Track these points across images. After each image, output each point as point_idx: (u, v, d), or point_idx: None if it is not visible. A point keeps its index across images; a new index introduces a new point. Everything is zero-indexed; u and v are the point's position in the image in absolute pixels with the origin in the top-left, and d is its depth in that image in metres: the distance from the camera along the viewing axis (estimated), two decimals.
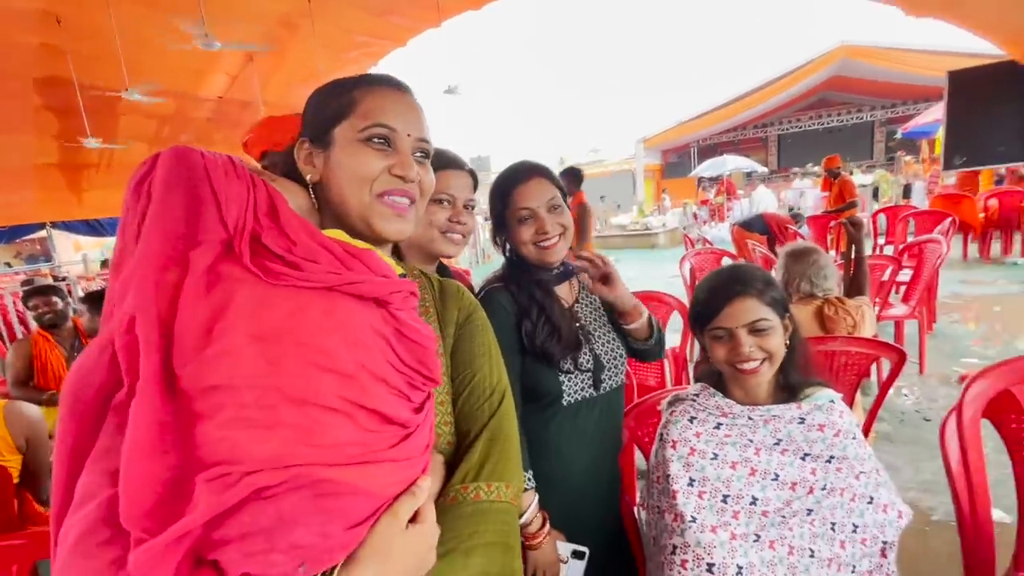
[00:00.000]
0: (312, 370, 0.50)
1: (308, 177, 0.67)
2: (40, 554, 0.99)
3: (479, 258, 9.80)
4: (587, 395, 1.14)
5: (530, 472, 1.05)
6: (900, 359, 1.70)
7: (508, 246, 1.18)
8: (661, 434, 1.11)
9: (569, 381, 1.12)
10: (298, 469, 0.46)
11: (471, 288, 1.31)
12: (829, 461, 0.99)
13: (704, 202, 13.34)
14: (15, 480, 1.66)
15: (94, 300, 2.66)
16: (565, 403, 1.12)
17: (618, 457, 1.26)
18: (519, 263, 1.17)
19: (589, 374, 1.14)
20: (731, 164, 13.53)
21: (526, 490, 1.03)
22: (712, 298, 1.05)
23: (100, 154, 7.89)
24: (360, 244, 0.60)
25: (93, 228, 9.34)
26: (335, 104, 0.66)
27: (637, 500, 1.59)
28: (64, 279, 6.81)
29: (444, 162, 1.08)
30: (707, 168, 13.87)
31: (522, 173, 1.13)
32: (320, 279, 0.54)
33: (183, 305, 0.48)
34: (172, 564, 0.42)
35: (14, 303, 5.40)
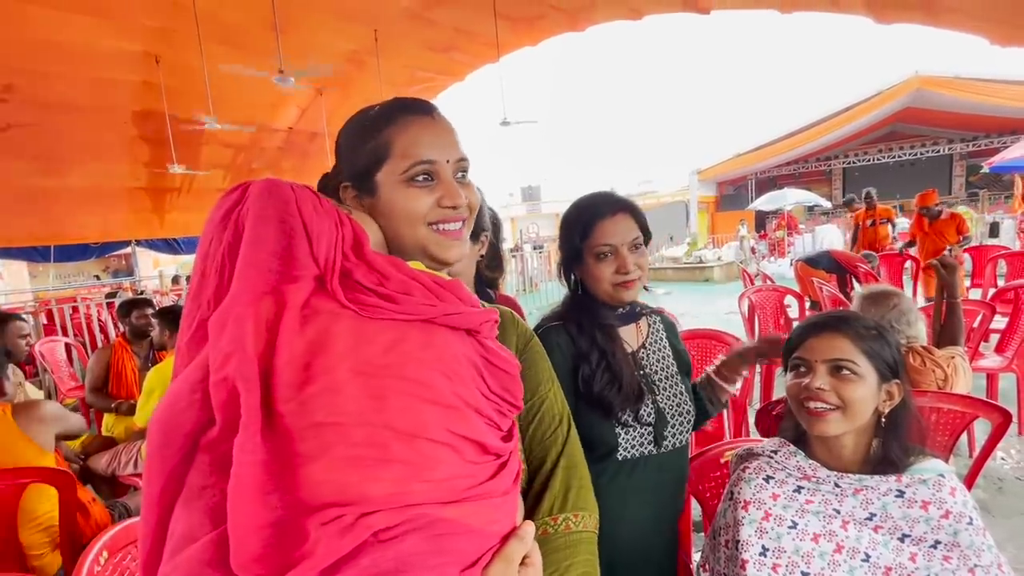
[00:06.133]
0: (417, 403, 0.49)
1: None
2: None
3: (527, 286, 9.78)
4: (646, 451, 1.05)
5: None
6: (1004, 420, 1.51)
7: (576, 281, 1.11)
8: (731, 492, 1.00)
9: (627, 434, 1.04)
10: (416, 509, 0.45)
11: (521, 315, 1.27)
12: (934, 547, 0.85)
13: (763, 236, 12.83)
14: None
15: (165, 315, 2.81)
16: (620, 457, 1.04)
17: (678, 521, 1.16)
18: (584, 301, 1.10)
19: (650, 429, 1.05)
20: (792, 198, 12.98)
21: None
22: (805, 328, 0.98)
23: (183, 179, 8.58)
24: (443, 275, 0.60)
25: (171, 246, 10.12)
26: (371, 147, 0.65)
27: (693, 557, 1.46)
28: (142, 293, 7.36)
29: None
30: (765, 201, 13.37)
31: (608, 207, 1.04)
32: (417, 311, 0.53)
33: (281, 342, 0.46)
34: None
35: (98, 313, 5.86)
